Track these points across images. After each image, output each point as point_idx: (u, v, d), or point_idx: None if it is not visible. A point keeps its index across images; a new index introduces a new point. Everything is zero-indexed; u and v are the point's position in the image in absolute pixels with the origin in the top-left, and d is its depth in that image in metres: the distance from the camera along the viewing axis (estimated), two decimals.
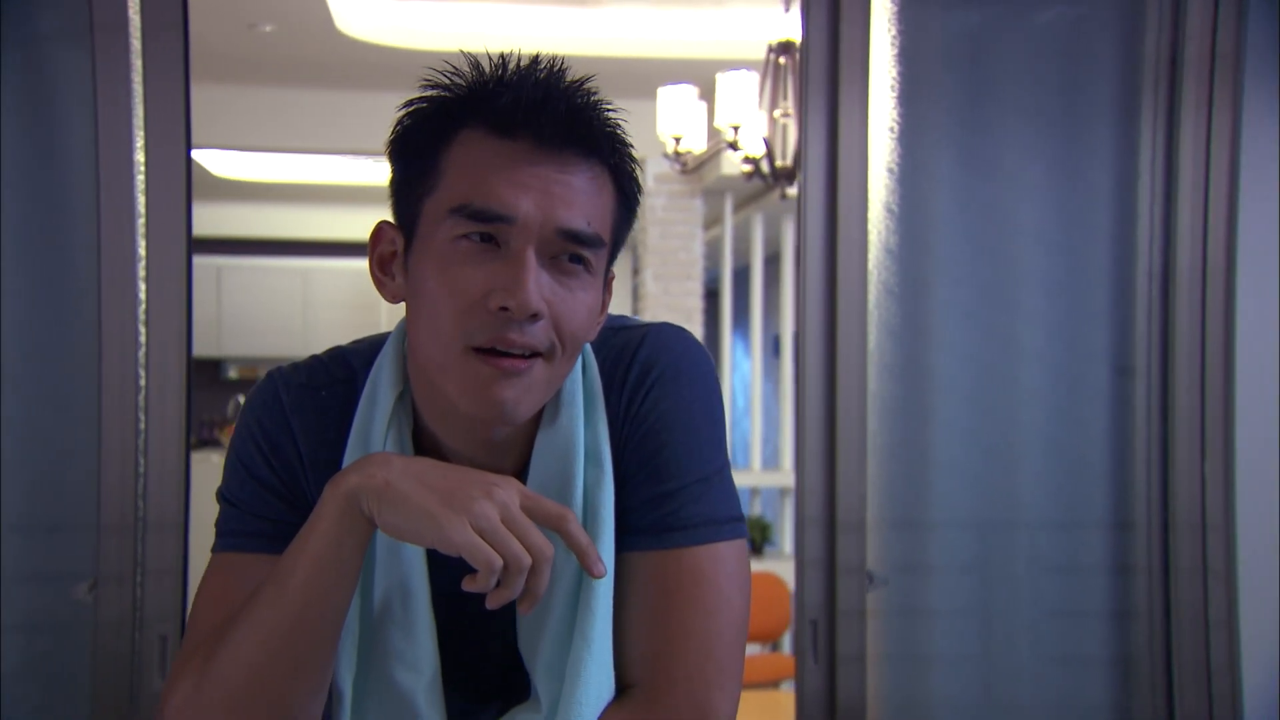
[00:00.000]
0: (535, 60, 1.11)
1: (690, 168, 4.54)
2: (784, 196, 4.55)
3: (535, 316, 1.07)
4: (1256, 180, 2.32)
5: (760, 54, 4.70)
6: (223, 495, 1.23)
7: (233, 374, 9.51)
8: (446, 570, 1.17)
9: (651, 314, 6.35)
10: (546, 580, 1.06)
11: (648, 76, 4.88)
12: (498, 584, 1.03)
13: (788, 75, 4.44)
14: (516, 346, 1.08)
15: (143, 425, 2.25)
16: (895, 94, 2.42)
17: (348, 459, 1.19)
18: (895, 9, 2.42)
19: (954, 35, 2.45)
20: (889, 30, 2.42)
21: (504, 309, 1.07)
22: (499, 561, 1.02)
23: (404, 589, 1.15)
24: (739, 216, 6.94)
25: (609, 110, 1.14)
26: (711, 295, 7.71)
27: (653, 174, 6.19)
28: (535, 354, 1.09)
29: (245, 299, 9.26)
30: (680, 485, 1.18)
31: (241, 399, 6.93)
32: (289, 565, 1.08)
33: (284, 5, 5.35)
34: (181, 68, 2.29)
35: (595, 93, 1.13)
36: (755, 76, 4.35)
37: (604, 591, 1.14)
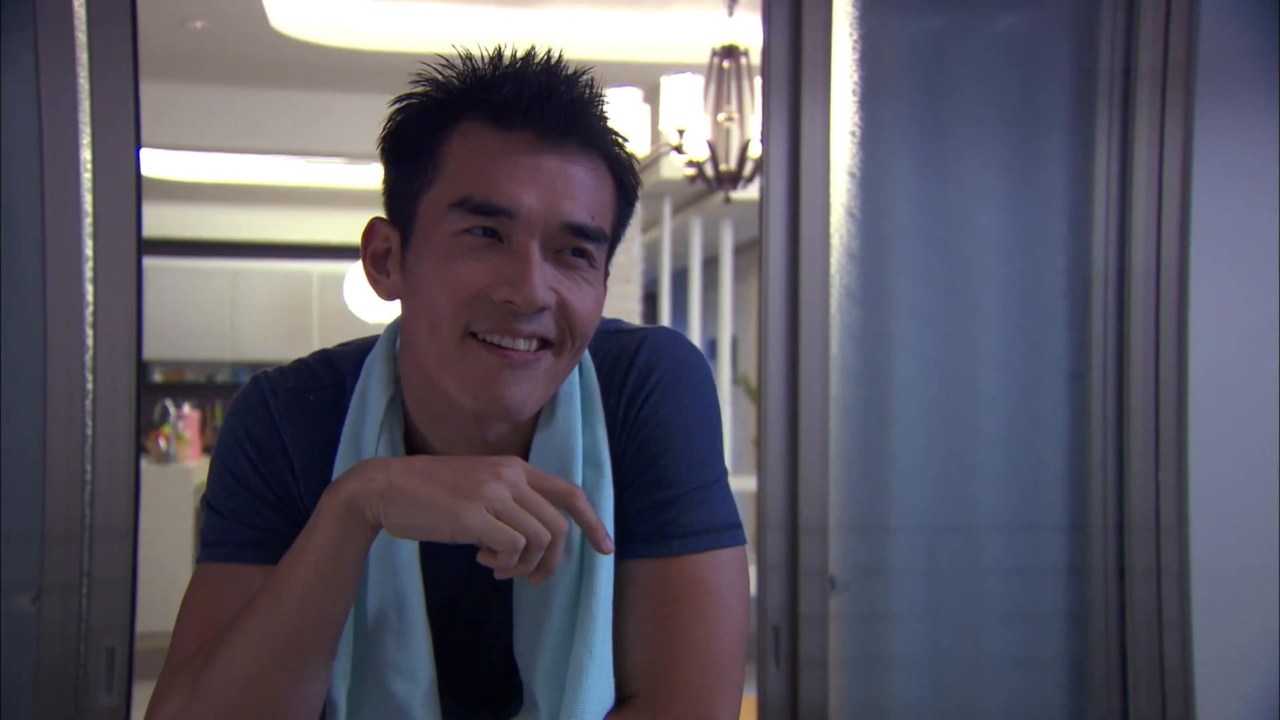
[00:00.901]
0: (532, 51, 1.09)
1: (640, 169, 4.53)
2: (727, 200, 4.55)
3: (541, 310, 1.06)
4: (1209, 187, 2.36)
5: (703, 58, 4.70)
6: (210, 505, 1.19)
7: (158, 377, 9.32)
8: (441, 579, 1.15)
9: None
10: (560, 554, 1.04)
11: (629, 79, 4.85)
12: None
13: (731, 79, 4.45)
14: (524, 335, 1.06)
15: (90, 431, 2.19)
16: (856, 98, 2.42)
17: (339, 466, 1.16)
18: (856, 14, 2.43)
19: (913, 40, 2.46)
20: (850, 35, 2.43)
21: (509, 303, 1.05)
22: (521, 540, 1.00)
23: (399, 598, 1.13)
24: (677, 220, 6.94)
25: (607, 102, 1.12)
26: (650, 298, 7.72)
27: None
28: (544, 345, 1.08)
29: (171, 301, 9.07)
30: (680, 493, 1.16)
31: (169, 403, 6.78)
32: (286, 576, 1.04)
33: (217, 2, 5.26)
34: (130, 61, 2.23)
35: (594, 84, 1.11)
36: (700, 80, 4.35)
37: (604, 595, 1.12)
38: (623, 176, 1.13)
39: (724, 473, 1.21)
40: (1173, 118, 2.39)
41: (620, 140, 1.13)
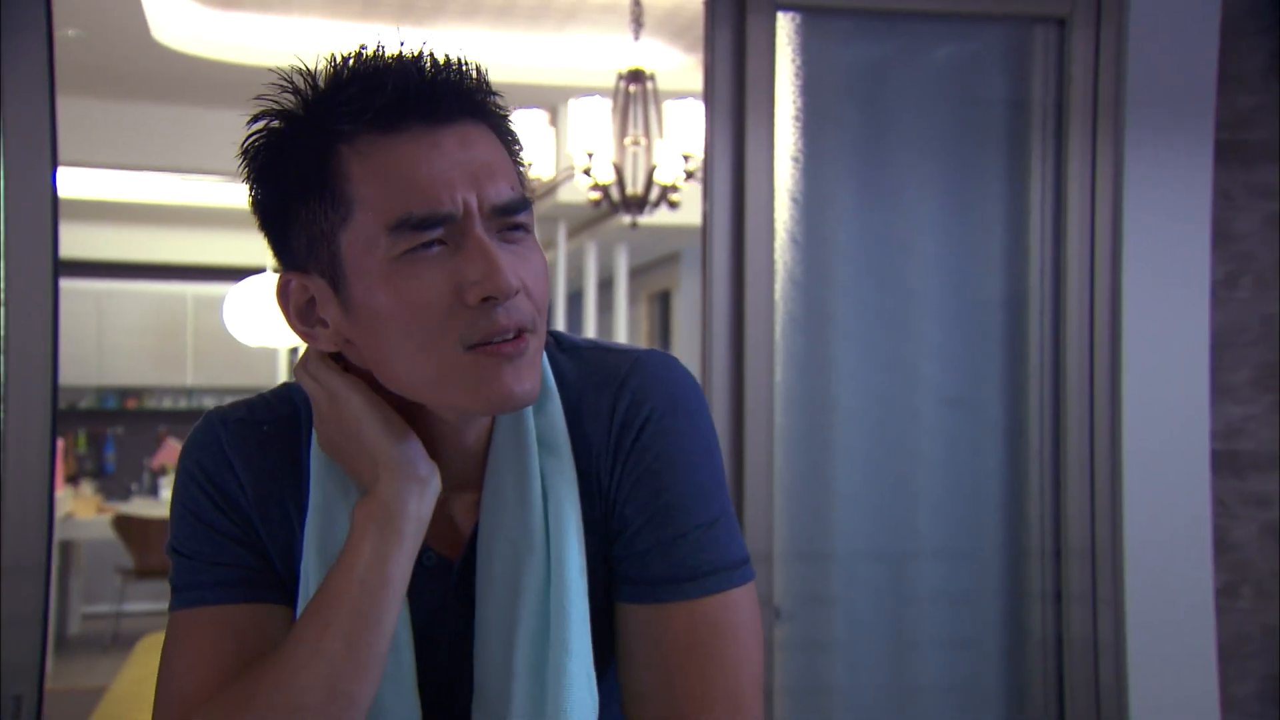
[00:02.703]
0: (369, 49, 1.03)
1: (538, 195, 4.47)
2: (634, 225, 4.52)
3: (515, 293, 1.01)
4: (1140, 217, 2.41)
5: (607, 81, 4.68)
6: (174, 549, 1.12)
7: None
8: (417, 603, 1.11)
9: None
10: None
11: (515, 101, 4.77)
12: None
13: (638, 103, 4.43)
14: (511, 329, 1.01)
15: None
16: (799, 124, 2.42)
17: (315, 494, 1.10)
18: (798, 40, 2.43)
19: (853, 69, 2.47)
20: (792, 61, 2.43)
21: (488, 299, 1.00)
22: None
23: (393, 642, 1.08)
24: (573, 243, 6.90)
25: (464, 64, 1.05)
26: None
27: None
28: (522, 331, 1.03)
29: None
30: (686, 531, 1.10)
31: None
32: (333, 595, 1.03)
33: (95, 10, 5.04)
34: (45, 72, 2.10)
35: (452, 54, 1.05)
36: (607, 103, 4.32)
37: (576, 594, 1.07)
38: (504, 131, 1.07)
39: (729, 505, 1.15)
40: (1104, 149, 2.44)
41: (495, 95, 1.07)
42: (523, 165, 1.10)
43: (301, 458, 1.13)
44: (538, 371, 1.04)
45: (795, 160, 2.41)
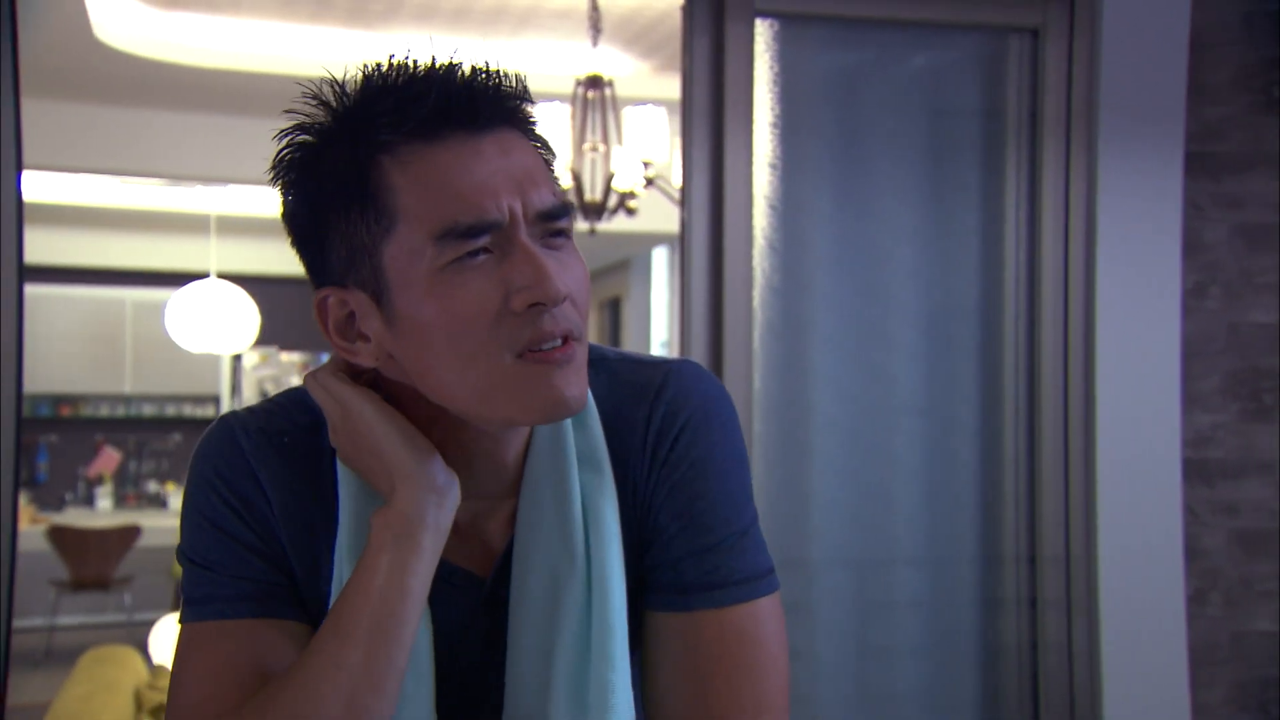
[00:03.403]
0: (401, 57, 1.02)
1: None
2: (593, 232, 4.50)
3: (564, 299, 1.00)
4: (1113, 225, 2.44)
5: (565, 88, 4.65)
6: (189, 558, 1.09)
7: None
8: (442, 617, 1.09)
9: None
10: None
11: None
12: None
13: (596, 109, 4.41)
14: (559, 335, 1.00)
15: None
16: (777, 131, 2.41)
17: (347, 520, 1.08)
18: (776, 47, 2.42)
19: (830, 76, 2.47)
20: (770, 67, 2.42)
21: (535, 305, 0.99)
22: None
23: (412, 658, 1.06)
24: None
25: (502, 71, 1.04)
26: None
27: None
28: (569, 337, 1.01)
29: None
30: (720, 539, 1.10)
31: None
32: (351, 609, 1.00)
33: (37, 8, 4.92)
34: (10, 76, 2.04)
35: (490, 62, 1.03)
36: (566, 109, 4.30)
37: (620, 609, 1.07)
38: (538, 137, 1.07)
39: (756, 514, 1.16)
40: (1077, 159, 2.46)
41: (530, 104, 1.06)
42: (555, 172, 1.09)
43: (325, 470, 1.10)
44: (585, 378, 1.03)
45: (773, 167, 2.41)
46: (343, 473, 1.09)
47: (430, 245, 0.98)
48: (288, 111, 1.03)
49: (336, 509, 1.09)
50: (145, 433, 8.97)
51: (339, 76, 1.02)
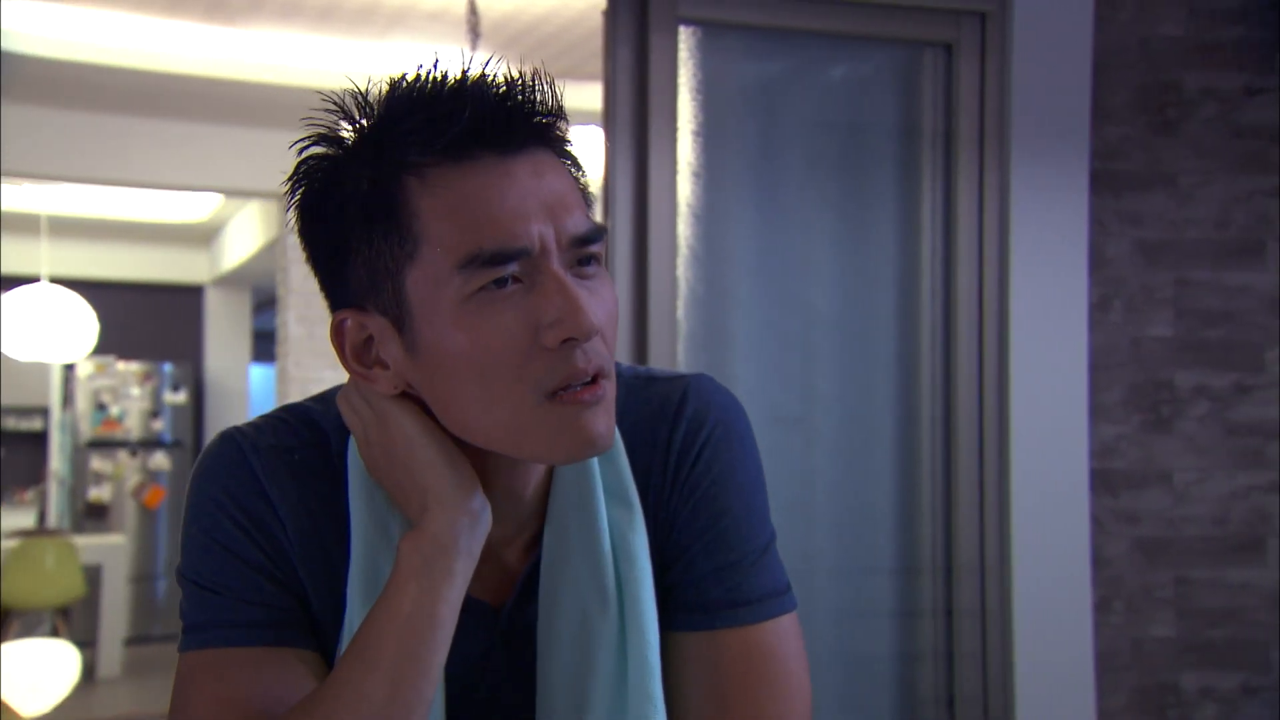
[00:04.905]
0: (429, 71, 0.97)
1: None
2: None
3: (595, 333, 0.96)
4: (1026, 239, 2.49)
5: None
6: (194, 581, 1.02)
7: None
8: (458, 645, 1.03)
9: (295, 360, 5.95)
10: None
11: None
12: None
13: None
14: (590, 373, 0.96)
15: None
16: (700, 139, 2.39)
17: (362, 550, 1.02)
18: (699, 55, 2.40)
19: (750, 85, 2.46)
20: (693, 75, 2.39)
21: (568, 340, 0.94)
22: None
23: None
24: None
25: (537, 87, 0.99)
26: None
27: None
28: (599, 375, 0.97)
29: None
30: (742, 556, 1.08)
31: None
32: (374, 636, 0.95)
33: None
34: None
35: (530, 79, 0.98)
36: None
37: (655, 645, 1.04)
38: (572, 156, 1.03)
39: (774, 531, 1.14)
40: (990, 174, 2.51)
41: (564, 120, 1.02)
42: (589, 191, 1.04)
43: (338, 489, 1.04)
44: (614, 415, 0.99)
45: (697, 175, 2.38)
46: (354, 498, 1.03)
47: (456, 273, 0.93)
48: (305, 120, 0.98)
49: (349, 529, 1.02)
50: None
51: (361, 87, 0.96)
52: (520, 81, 0.96)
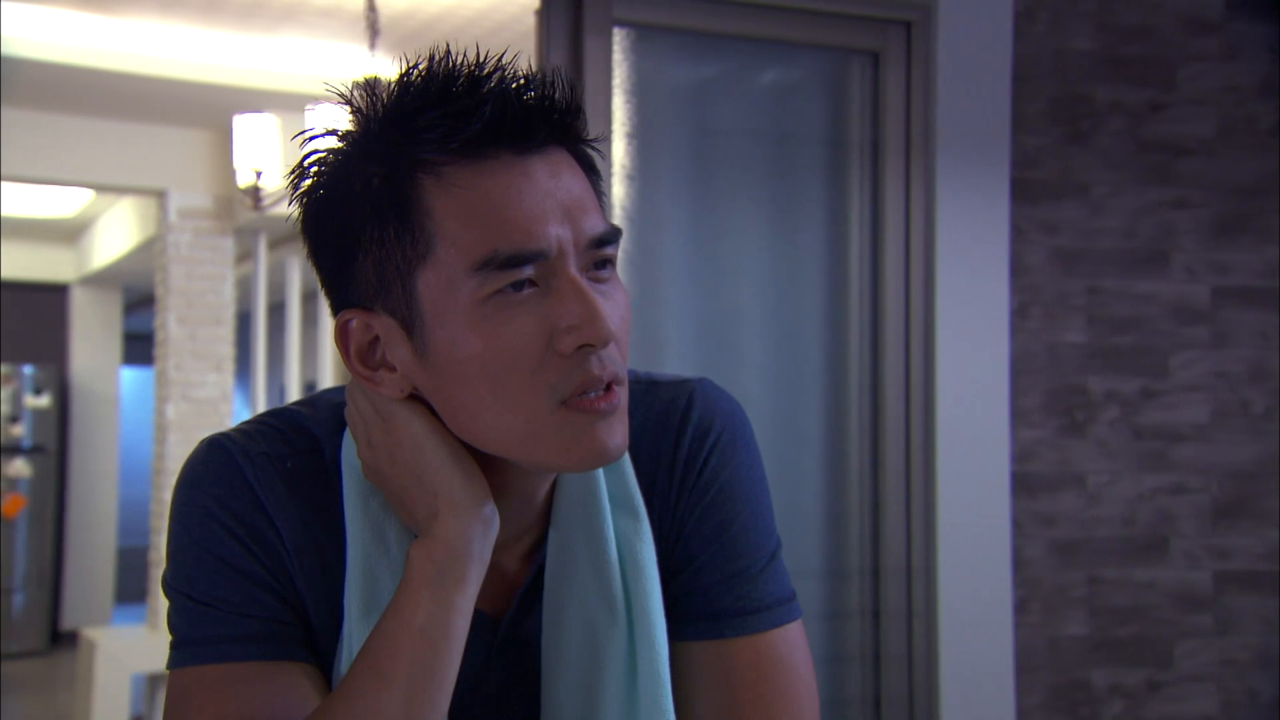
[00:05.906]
0: (443, 65, 0.94)
1: (267, 204, 4.17)
2: None
3: (610, 339, 0.94)
4: (950, 247, 2.53)
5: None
6: (187, 594, 0.97)
7: None
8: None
9: (175, 363, 5.74)
10: None
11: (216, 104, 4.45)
12: None
13: None
14: (605, 380, 0.94)
15: None
16: (634, 142, 2.37)
17: (359, 561, 0.99)
18: (633, 58, 2.39)
19: (684, 88, 2.46)
20: (627, 78, 2.38)
21: (584, 347, 0.92)
22: None
23: None
24: (274, 255, 6.52)
25: (556, 85, 0.97)
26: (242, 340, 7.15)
27: (176, 209, 5.62)
28: (613, 383, 0.95)
29: None
30: (750, 563, 1.08)
31: None
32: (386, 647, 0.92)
33: None
34: None
35: (554, 77, 0.96)
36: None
37: (665, 658, 1.02)
38: (583, 153, 1.00)
39: (780, 539, 1.13)
40: (916, 182, 2.54)
41: (583, 118, 0.99)
42: (604, 192, 1.02)
43: (333, 497, 1.00)
44: (626, 424, 0.97)
45: (631, 179, 2.36)
46: (349, 506, 0.99)
47: (471, 274, 0.91)
48: (309, 109, 0.93)
49: (345, 537, 0.99)
50: None
51: (372, 81, 0.93)
52: (540, 77, 0.94)
